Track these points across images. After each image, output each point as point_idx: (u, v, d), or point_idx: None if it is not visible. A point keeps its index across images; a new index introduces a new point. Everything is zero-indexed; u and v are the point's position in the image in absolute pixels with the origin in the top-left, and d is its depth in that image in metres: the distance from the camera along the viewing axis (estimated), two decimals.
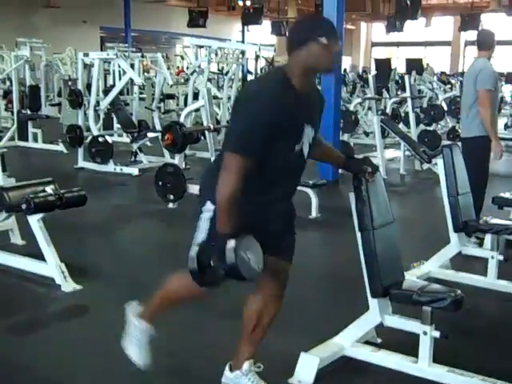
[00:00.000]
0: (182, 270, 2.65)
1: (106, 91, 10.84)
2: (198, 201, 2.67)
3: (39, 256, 4.44)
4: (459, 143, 5.17)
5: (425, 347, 3.00)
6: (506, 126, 14.02)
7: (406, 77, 10.56)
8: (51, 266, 4.33)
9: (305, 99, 2.56)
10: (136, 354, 2.96)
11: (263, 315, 2.82)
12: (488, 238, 4.56)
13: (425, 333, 2.99)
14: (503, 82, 15.84)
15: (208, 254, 2.45)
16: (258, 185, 2.55)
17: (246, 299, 2.86)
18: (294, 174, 2.69)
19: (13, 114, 12.01)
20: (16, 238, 5.17)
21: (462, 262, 4.68)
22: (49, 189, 4.56)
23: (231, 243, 2.36)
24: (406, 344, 3.14)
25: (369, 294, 3.12)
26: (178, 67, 20.27)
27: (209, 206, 2.56)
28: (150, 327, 2.95)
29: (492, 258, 4.34)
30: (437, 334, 2.98)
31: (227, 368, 2.91)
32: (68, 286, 4.26)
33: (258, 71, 18.20)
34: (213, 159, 6.63)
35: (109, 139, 9.23)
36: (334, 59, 2.53)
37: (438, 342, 3.01)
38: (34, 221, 4.40)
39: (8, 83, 13.65)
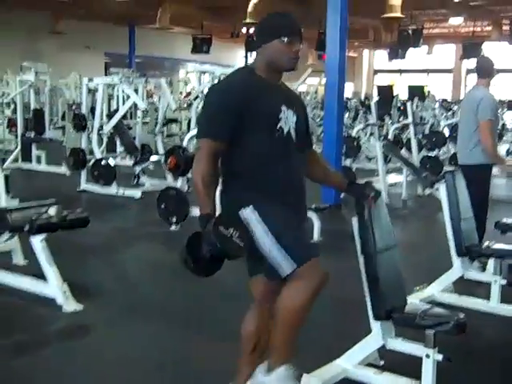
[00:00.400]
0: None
1: (110, 115, 10.91)
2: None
3: (41, 276, 4.44)
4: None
5: (428, 370, 2.98)
6: (508, 152, 14.05)
7: (408, 103, 10.61)
8: (53, 286, 4.33)
9: (277, 87, 2.72)
10: None
11: (262, 334, 2.80)
12: (491, 262, 4.55)
13: (428, 356, 2.97)
14: (505, 109, 15.91)
15: (198, 242, 2.44)
16: (256, 180, 2.61)
17: (243, 319, 2.84)
18: (288, 160, 2.67)
19: (17, 137, 12.08)
20: (18, 259, 5.18)
21: (464, 286, 4.66)
22: (52, 210, 4.58)
23: (210, 222, 2.40)
24: (409, 366, 3.12)
25: (371, 317, 3.12)
26: (182, 92, 20.35)
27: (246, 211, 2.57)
28: (286, 367, 2.65)
29: (495, 282, 4.33)
30: (440, 357, 2.96)
31: None
32: (70, 305, 4.25)
33: None
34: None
35: (111, 162, 9.28)
36: (295, 57, 2.67)
37: (440, 365, 2.99)
38: (37, 241, 4.41)
39: (12, 107, 13.76)
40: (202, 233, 2.43)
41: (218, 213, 2.51)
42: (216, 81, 10.70)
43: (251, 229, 2.54)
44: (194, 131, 7.84)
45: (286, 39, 2.61)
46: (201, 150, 2.58)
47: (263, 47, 2.67)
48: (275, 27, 2.66)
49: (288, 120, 2.67)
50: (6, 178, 5.62)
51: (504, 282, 4.31)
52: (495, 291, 4.31)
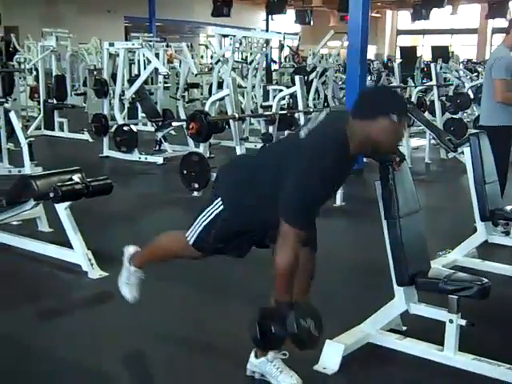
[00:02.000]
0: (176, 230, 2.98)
1: (131, 81, 10.89)
2: (215, 191, 2.82)
3: (66, 243, 4.49)
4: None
5: (451, 335, 2.99)
6: None
7: (432, 65, 10.44)
8: (78, 254, 4.38)
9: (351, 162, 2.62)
10: (126, 292, 3.25)
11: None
12: None
13: (451, 321, 2.98)
14: None
15: (268, 320, 2.49)
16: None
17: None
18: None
19: (39, 103, 12.13)
20: (43, 226, 5.24)
21: (488, 250, 4.64)
22: (76, 177, 4.60)
23: (292, 313, 2.43)
24: (432, 332, 3.13)
25: (394, 283, 3.12)
26: (202, 56, 20.22)
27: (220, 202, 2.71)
28: (138, 270, 3.22)
29: None
30: (463, 322, 2.97)
31: (252, 355, 2.92)
32: (95, 272, 4.30)
33: (283, 60, 18.14)
34: (238, 151, 6.63)
35: (134, 128, 9.29)
36: (399, 139, 2.51)
37: (463, 331, 3.00)
38: (62, 209, 4.45)
39: (34, 73, 13.78)
40: (275, 315, 2.48)
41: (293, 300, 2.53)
42: (237, 45, 10.59)
43: (216, 205, 2.71)
44: (215, 96, 7.79)
45: (394, 117, 2.40)
46: (290, 238, 2.43)
47: (366, 121, 2.43)
48: (385, 103, 2.45)
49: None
50: (30, 145, 5.68)
51: None
52: None
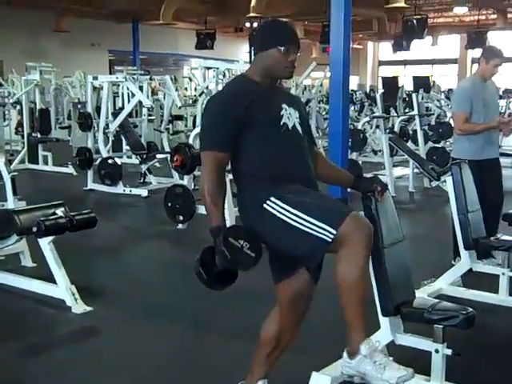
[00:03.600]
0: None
1: (115, 114, 10.92)
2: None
3: (50, 278, 4.45)
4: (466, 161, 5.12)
5: (437, 365, 2.98)
6: None
7: (414, 95, 10.56)
8: (62, 288, 4.35)
9: (274, 90, 2.72)
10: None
11: (282, 339, 2.80)
12: (499, 255, 4.53)
13: (437, 351, 2.97)
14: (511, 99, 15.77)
15: (211, 255, 2.45)
16: (271, 180, 2.58)
17: (264, 321, 2.83)
18: (298, 154, 2.67)
19: (23, 137, 12.11)
20: (27, 261, 5.20)
21: (473, 279, 4.65)
22: (59, 211, 4.59)
23: (220, 234, 2.40)
24: (418, 362, 3.11)
25: (380, 313, 3.11)
26: (186, 88, 20.32)
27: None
28: (366, 344, 2.61)
29: (503, 274, 4.31)
30: (449, 351, 2.96)
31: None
32: (79, 307, 4.27)
33: None
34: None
35: (118, 161, 9.29)
36: (291, 66, 2.66)
37: (450, 360, 2.99)
38: (45, 243, 4.42)
39: (18, 107, 13.77)
40: (214, 245, 2.44)
41: (228, 224, 2.52)
42: (220, 76, 10.68)
43: (280, 218, 2.51)
44: (199, 128, 7.83)
45: (282, 48, 2.60)
46: (206, 164, 2.56)
47: (260, 54, 2.66)
48: (273, 35, 2.65)
49: (291, 116, 2.67)
50: (13, 179, 5.63)
51: None
52: (503, 284, 4.30)
